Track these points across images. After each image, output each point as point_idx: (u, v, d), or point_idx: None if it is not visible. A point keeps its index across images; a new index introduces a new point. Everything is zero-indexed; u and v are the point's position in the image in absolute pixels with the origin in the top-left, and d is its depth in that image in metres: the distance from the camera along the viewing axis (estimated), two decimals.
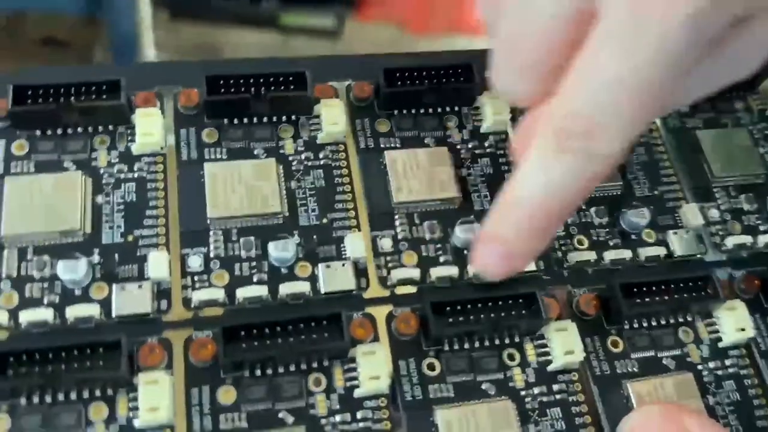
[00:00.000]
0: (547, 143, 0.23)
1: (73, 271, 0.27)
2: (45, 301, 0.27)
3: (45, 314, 0.26)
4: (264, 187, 0.29)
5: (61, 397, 0.25)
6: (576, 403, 0.28)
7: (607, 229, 0.31)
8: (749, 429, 0.28)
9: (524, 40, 0.24)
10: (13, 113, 0.29)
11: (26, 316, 0.26)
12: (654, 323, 0.29)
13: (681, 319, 0.30)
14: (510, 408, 0.27)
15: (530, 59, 0.24)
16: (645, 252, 0.31)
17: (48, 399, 0.25)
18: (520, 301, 0.28)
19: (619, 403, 0.28)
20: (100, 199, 0.29)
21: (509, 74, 0.25)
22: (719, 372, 0.29)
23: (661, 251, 0.31)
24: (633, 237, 0.31)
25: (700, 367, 0.29)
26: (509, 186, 0.25)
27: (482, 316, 0.27)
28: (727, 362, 0.29)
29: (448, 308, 0.27)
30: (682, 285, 0.29)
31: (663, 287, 0.29)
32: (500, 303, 0.28)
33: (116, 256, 0.28)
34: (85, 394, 0.25)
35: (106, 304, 0.27)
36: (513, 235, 0.25)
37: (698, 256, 0.31)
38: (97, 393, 0.25)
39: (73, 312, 0.26)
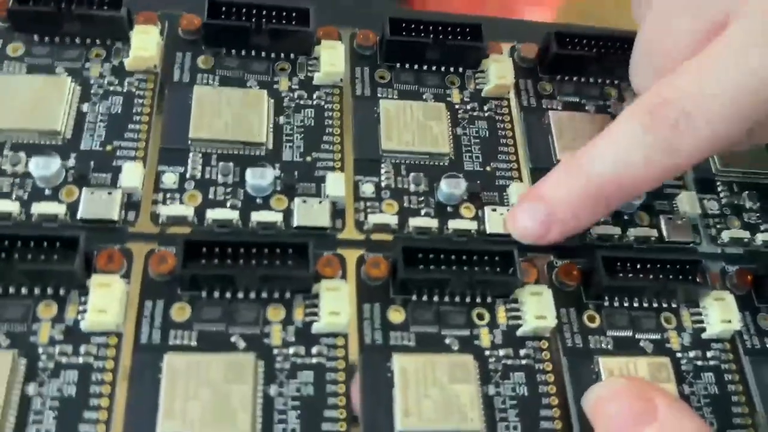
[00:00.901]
0: (637, 118, 0.24)
1: (45, 167, 0.26)
2: (13, 195, 0.26)
3: (10, 207, 0.26)
4: (251, 116, 0.29)
5: (12, 290, 0.24)
6: (542, 371, 0.26)
7: None
8: (724, 425, 0.27)
9: (659, 48, 0.27)
10: (12, 12, 0.29)
11: None
12: (636, 304, 0.28)
13: (665, 304, 0.28)
14: (471, 364, 0.25)
15: (660, 63, 0.27)
16: (635, 232, 0.29)
17: None
18: (497, 258, 0.27)
19: (588, 378, 0.26)
20: (85, 107, 0.29)
21: (644, 72, 0.28)
22: (699, 362, 0.28)
23: (652, 233, 0.30)
24: (625, 217, 0.30)
25: (679, 354, 0.28)
26: (577, 153, 0.26)
27: (454, 268, 0.26)
28: (709, 354, 0.28)
29: (420, 255, 0.26)
30: (669, 266, 0.28)
31: (649, 266, 0.28)
32: (475, 258, 0.27)
33: (92, 163, 0.27)
34: (37, 291, 0.25)
35: (73, 206, 0.26)
36: (563, 198, 0.25)
37: (691, 244, 0.30)
38: (49, 291, 0.25)
39: (38, 208, 0.26)
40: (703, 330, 0.28)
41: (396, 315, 0.26)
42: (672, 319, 0.28)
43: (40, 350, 0.24)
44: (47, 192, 0.26)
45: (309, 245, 0.25)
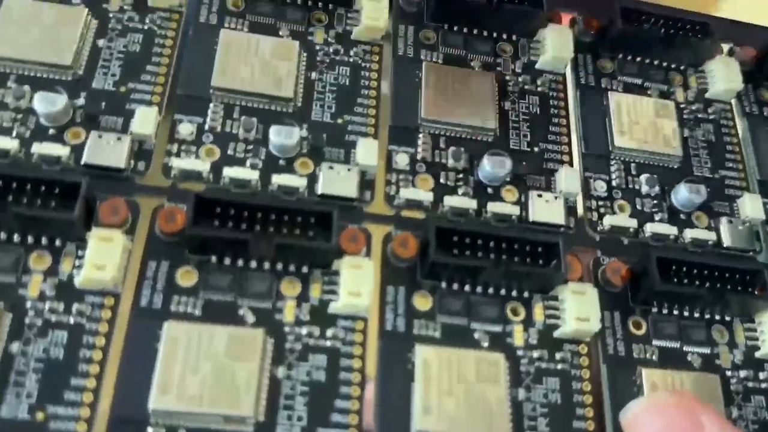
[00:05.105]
0: None
1: (50, 103, 0.24)
2: (14, 132, 0.24)
3: (9, 144, 0.23)
4: (280, 68, 0.26)
5: (2, 236, 0.22)
6: (578, 378, 0.24)
7: (656, 201, 0.27)
8: None
9: None
10: None
11: None
12: (686, 313, 0.25)
13: (717, 316, 0.26)
14: (501, 363, 0.23)
15: None
16: (692, 233, 0.27)
17: None
18: (539, 249, 0.24)
19: (629, 389, 0.24)
20: (101, 42, 0.26)
21: None
22: (750, 384, 0.25)
23: (710, 236, 0.27)
24: (682, 216, 0.27)
25: (729, 372, 0.25)
26: None
27: (491, 255, 0.24)
28: (761, 375, 0.25)
29: (454, 238, 0.24)
30: (727, 275, 0.25)
31: (706, 272, 0.25)
32: (516, 246, 0.24)
33: (103, 104, 0.25)
34: (30, 239, 0.22)
35: (78, 150, 0.24)
36: None
37: (750, 253, 0.27)
38: (44, 241, 0.22)
39: (40, 148, 0.23)
40: (757, 348, 0.25)
41: (422, 301, 0.24)
42: (724, 333, 0.25)
43: (29, 305, 0.21)
44: (51, 131, 0.24)
45: (333, 214, 0.23)
